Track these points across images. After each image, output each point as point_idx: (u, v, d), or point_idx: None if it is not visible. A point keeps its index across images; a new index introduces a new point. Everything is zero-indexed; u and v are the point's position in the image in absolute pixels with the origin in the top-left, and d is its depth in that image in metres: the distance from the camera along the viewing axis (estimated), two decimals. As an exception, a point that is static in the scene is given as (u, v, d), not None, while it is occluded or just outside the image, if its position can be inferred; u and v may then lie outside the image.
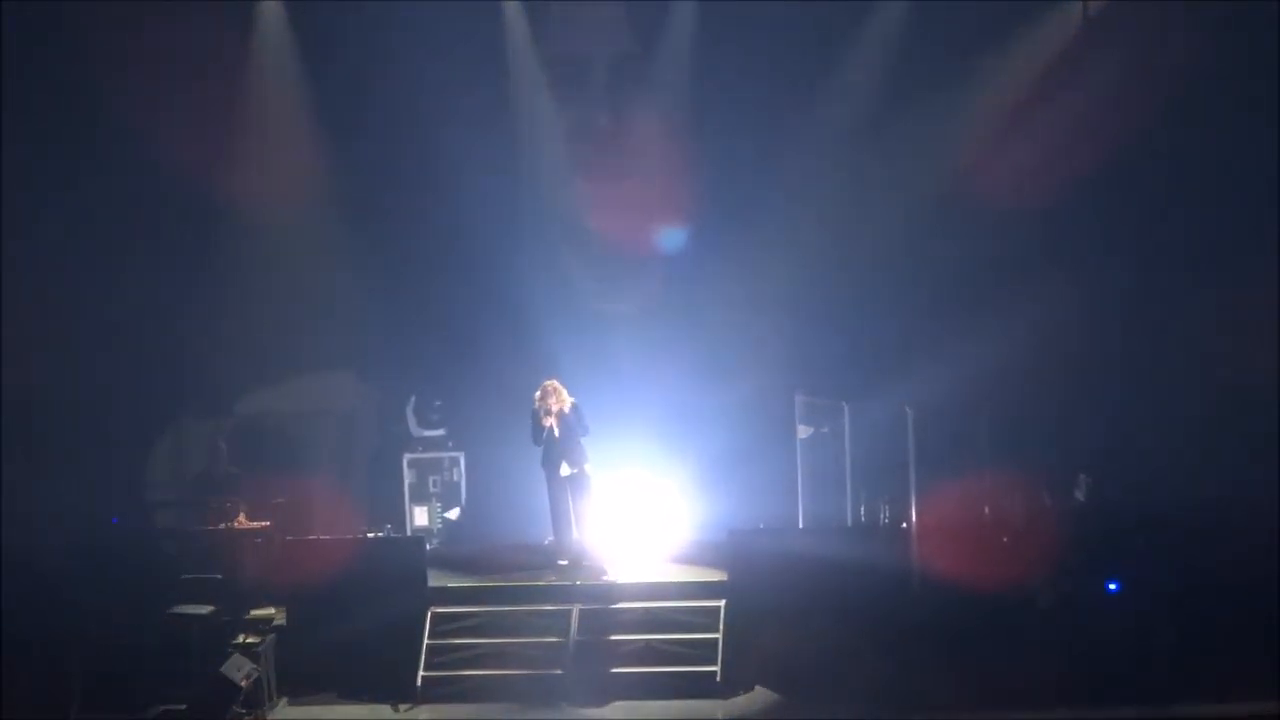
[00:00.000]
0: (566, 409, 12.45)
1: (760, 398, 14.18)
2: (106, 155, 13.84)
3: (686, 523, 13.89)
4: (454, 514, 14.84)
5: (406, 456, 14.92)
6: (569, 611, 11.49)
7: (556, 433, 12.44)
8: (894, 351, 13.95)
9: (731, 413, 14.26)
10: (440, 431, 14.96)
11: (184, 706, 10.82)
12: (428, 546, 12.92)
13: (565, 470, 12.49)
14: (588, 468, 12.61)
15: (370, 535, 13.05)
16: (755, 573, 11.57)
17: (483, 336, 14.53)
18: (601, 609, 11.59)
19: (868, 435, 13.00)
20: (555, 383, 12.56)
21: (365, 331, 14.83)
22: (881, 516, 12.99)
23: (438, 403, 14.97)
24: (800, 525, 13.23)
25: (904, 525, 12.41)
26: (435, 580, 12.02)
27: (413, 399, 14.98)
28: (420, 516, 14.73)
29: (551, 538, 13.06)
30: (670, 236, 14.34)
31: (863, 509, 13.17)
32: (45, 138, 13.69)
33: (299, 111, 14.36)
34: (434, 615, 11.57)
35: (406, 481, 14.80)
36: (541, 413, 12.46)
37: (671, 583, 11.99)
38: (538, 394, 12.55)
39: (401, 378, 15.07)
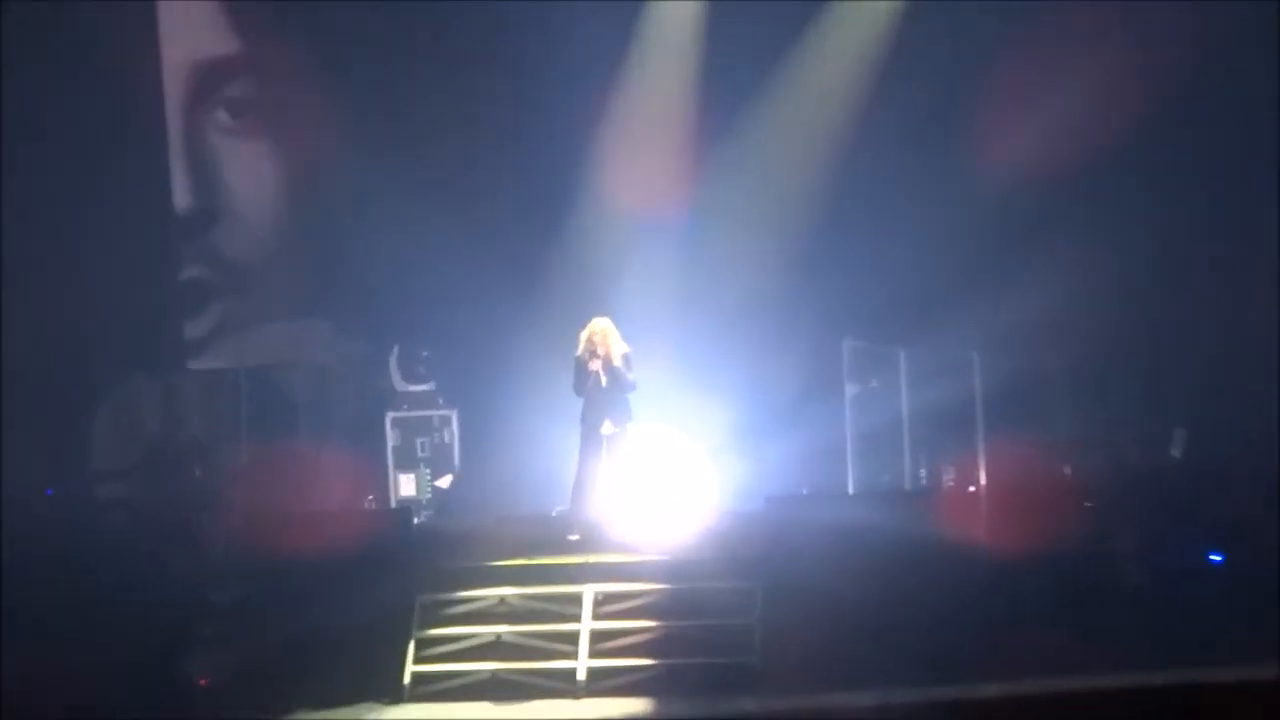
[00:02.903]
0: (617, 357, 12.24)
1: (803, 346, 14.32)
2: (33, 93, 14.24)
3: (717, 490, 13.96)
4: (445, 482, 14.80)
5: (390, 415, 14.87)
6: (581, 595, 11.31)
7: (604, 381, 12.22)
8: (955, 289, 13.88)
9: (769, 365, 14.37)
10: (429, 386, 14.93)
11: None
12: (415, 520, 12.94)
13: (608, 429, 12.28)
14: (632, 429, 12.45)
15: (365, 505, 13.30)
16: (798, 547, 11.43)
17: (478, 277, 14.47)
18: (619, 591, 11.43)
19: (926, 386, 13.07)
20: (606, 322, 12.32)
21: (339, 271, 14.88)
22: (944, 479, 13.06)
23: (425, 353, 14.95)
24: (850, 491, 13.32)
25: (971, 489, 12.57)
26: (424, 560, 11.85)
27: (396, 349, 14.95)
28: (406, 485, 14.71)
29: (562, 508, 13.02)
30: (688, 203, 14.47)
31: (923, 471, 13.24)
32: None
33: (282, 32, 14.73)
34: (423, 601, 11.39)
35: (390, 444, 14.77)
36: (587, 355, 12.24)
37: (700, 560, 11.77)
38: (583, 333, 12.32)
39: (383, 324, 15.08)
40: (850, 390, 13.59)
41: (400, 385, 14.90)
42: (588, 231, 14.69)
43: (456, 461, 14.82)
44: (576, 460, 12.43)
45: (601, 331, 12.26)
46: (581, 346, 12.32)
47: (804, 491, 13.17)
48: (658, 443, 13.77)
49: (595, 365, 12.18)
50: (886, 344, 13.27)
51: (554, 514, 13.25)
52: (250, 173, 15.25)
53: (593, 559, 11.83)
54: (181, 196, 15.21)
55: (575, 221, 14.76)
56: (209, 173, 15.26)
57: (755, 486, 13.42)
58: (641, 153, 14.51)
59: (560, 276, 14.44)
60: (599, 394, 12.25)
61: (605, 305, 12.83)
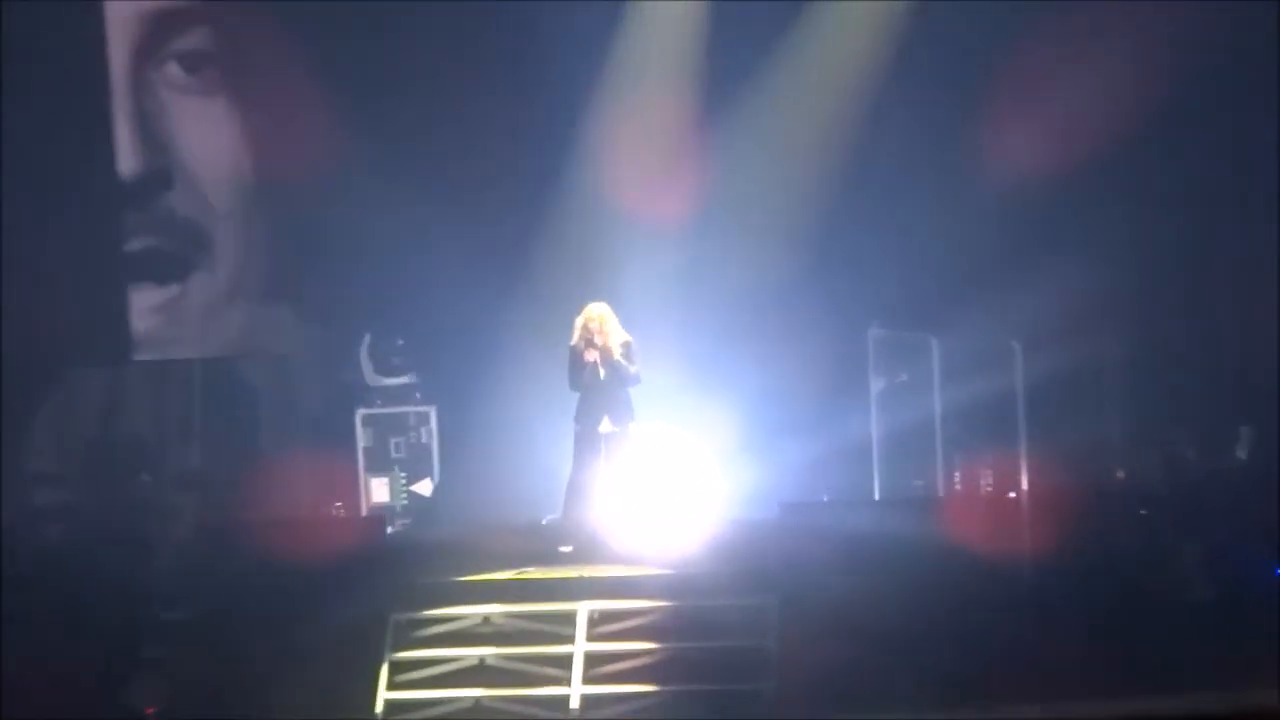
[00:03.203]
0: (616, 347, 12.25)
1: (823, 337, 14.36)
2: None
3: (727, 497, 13.99)
4: (423, 487, 14.87)
5: (360, 412, 14.91)
6: (574, 613, 11.25)
7: (602, 374, 12.23)
8: (994, 270, 13.91)
9: (785, 358, 14.38)
10: (404, 379, 14.98)
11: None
12: (389, 530, 13.09)
13: (607, 427, 12.31)
14: (633, 428, 12.45)
15: (332, 513, 13.52)
16: (817, 559, 11.33)
17: (462, 257, 14.52)
18: (617, 609, 11.36)
19: (962, 380, 13.10)
20: (604, 308, 12.33)
21: (306, 249, 15.01)
22: (981, 484, 13.14)
23: (400, 342, 14.99)
24: (875, 497, 13.33)
25: (1011, 495, 12.52)
26: (399, 574, 11.77)
27: (367, 337, 14.97)
28: (379, 490, 14.79)
29: (552, 516, 13.02)
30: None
31: (957, 476, 13.26)
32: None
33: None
34: (398, 620, 11.36)
35: (361, 445, 14.82)
36: (583, 345, 12.26)
37: (708, 574, 11.70)
38: (579, 321, 12.32)
39: (354, 309, 15.14)
40: (876, 385, 13.63)
41: (372, 378, 14.94)
42: (584, 211, 14.79)
43: (435, 464, 14.86)
44: (570, 463, 12.41)
45: (599, 318, 12.22)
46: (576, 335, 12.26)
47: (824, 498, 13.19)
48: (661, 444, 13.80)
49: (592, 356, 12.15)
50: (917, 332, 13.30)
51: (545, 523, 13.26)
52: (205, 135, 15.24)
53: (588, 573, 11.79)
54: (126, 160, 15.21)
55: (571, 200, 14.85)
56: (158, 134, 15.24)
57: (769, 492, 13.44)
58: (642, 136, 14.63)
59: (553, 258, 14.55)
60: (596, 388, 12.23)
61: (603, 291, 12.82)
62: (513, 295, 14.47)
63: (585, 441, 12.30)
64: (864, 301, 14.08)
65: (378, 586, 11.51)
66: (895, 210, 14.37)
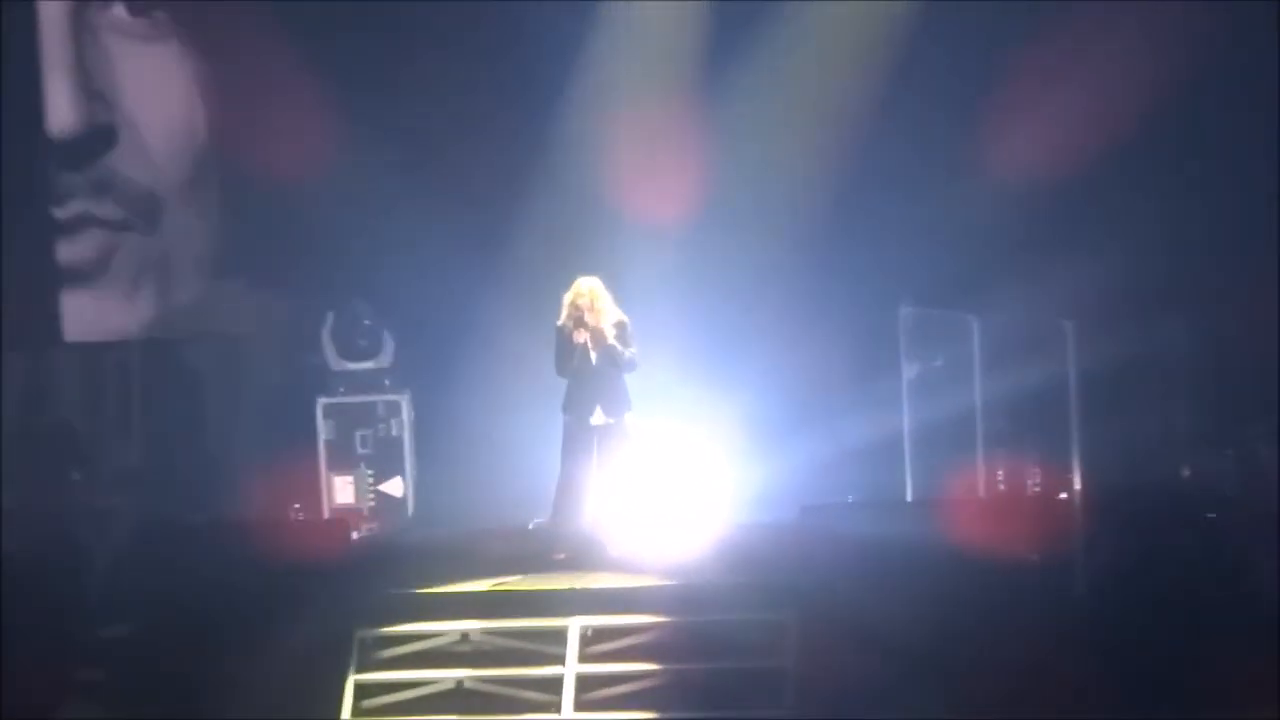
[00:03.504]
0: (609, 327, 12.31)
1: (847, 317, 14.49)
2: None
3: (739, 498, 14.14)
4: (393, 486, 14.89)
5: (322, 401, 14.96)
6: (565, 630, 11.20)
7: (593, 358, 12.28)
8: (1044, 240, 13.97)
9: (803, 342, 14.45)
10: (372, 363, 15.06)
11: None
12: (354, 535, 13.24)
13: (600, 418, 12.37)
14: (629, 419, 12.50)
15: (289, 516, 13.75)
16: (842, 569, 11.27)
17: (438, 227, 14.56)
18: (614, 625, 11.31)
19: (1006, 365, 13.16)
20: (595, 283, 12.37)
21: (263, 215, 15.07)
22: (1028, 484, 13.16)
23: (368, 321, 15.03)
24: (907, 498, 13.36)
25: (1062, 496, 12.52)
26: (365, 585, 11.80)
27: (330, 316, 15.01)
28: (343, 490, 14.84)
29: (540, 520, 13.07)
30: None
31: (1000, 474, 13.30)
32: None
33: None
34: (364, 637, 11.34)
35: (323, 438, 14.87)
36: (572, 325, 12.29)
37: (717, 586, 11.68)
38: (567, 297, 12.37)
39: (315, 283, 15.21)
40: (909, 371, 13.67)
41: (336, 362, 14.97)
42: (578, 181, 14.90)
43: (408, 460, 14.90)
44: (560, 459, 12.43)
45: (589, 294, 12.24)
46: (564, 314, 12.28)
47: (849, 499, 13.18)
48: (664, 440, 13.84)
49: (582, 337, 12.17)
50: (955, 311, 13.35)
51: (532, 527, 13.31)
52: (153, 86, 15.29)
53: (581, 584, 11.75)
54: (60, 115, 15.26)
55: (562, 169, 14.92)
56: (98, 85, 15.27)
57: (787, 494, 13.48)
58: (641, 120, 14.79)
59: (541, 229, 14.64)
60: (587, 374, 12.26)
61: (597, 267, 12.83)
62: (496, 268, 14.57)
63: (575, 435, 12.33)
64: (893, 277, 14.11)
65: (341, 599, 11.48)
66: (927, 175, 14.44)
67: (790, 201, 14.68)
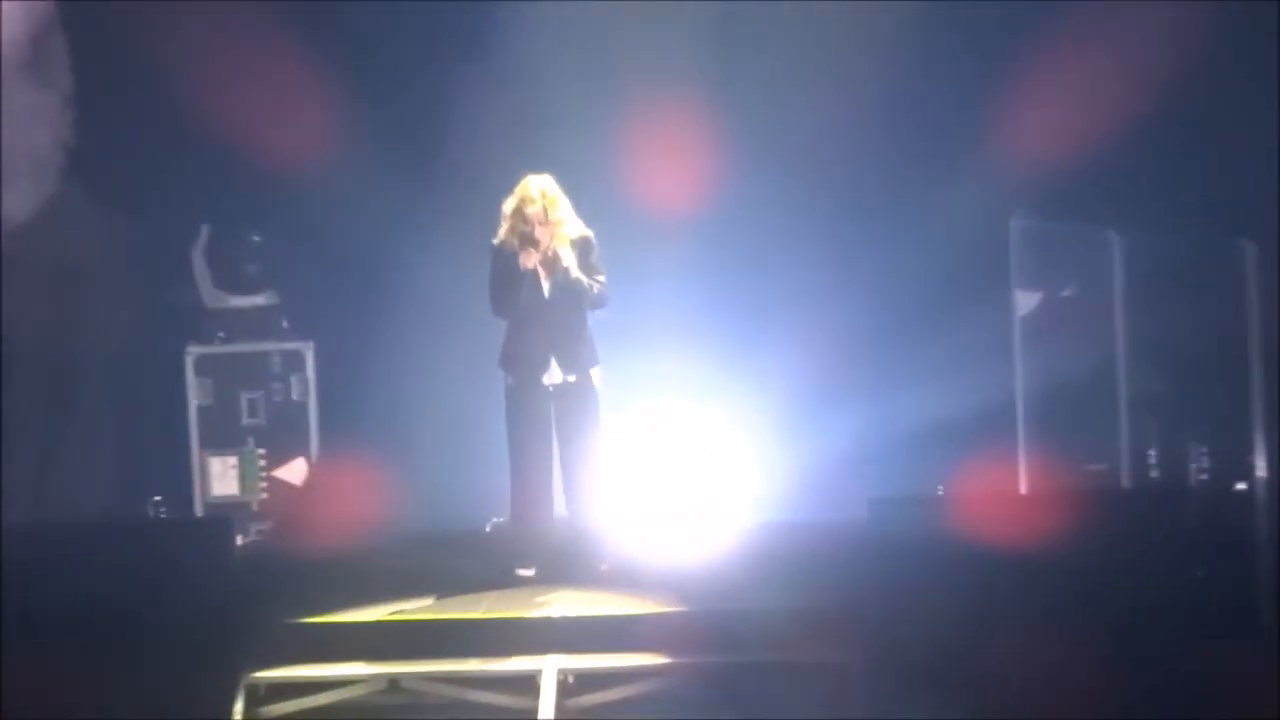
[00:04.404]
0: (565, 250, 12.44)
1: (928, 232, 14.62)
2: None
3: (772, 488, 14.59)
4: (293, 471, 15.09)
5: (194, 352, 15.14)
6: (536, 675, 11.14)
7: (545, 290, 12.40)
8: (1209, 129, 14.15)
9: (863, 268, 14.90)
10: (263, 299, 15.31)
11: None
12: (238, 540, 13.35)
13: (555, 376, 12.53)
14: (596, 375, 12.63)
15: (147, 512, 14.12)
16: (926, 589, 11.15)
17: (353, 117, 14.84)
18: (605, 669, 11.24)
19: (1161, 299, 13.56)
20: (548, 184, 12.52)
21: (114, 99, 15.13)
22: (1193, 471, 13.43)
23: (257, 238, 15.31)
24: (1022, 489, 13.62)
25: (1239, 487, 12.89)
26: (255, 611, 11.70)
27: (205, 231, 15.27)
28: (223, 478, 15.11)
29: (500, 519, 13.39)
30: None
31: (1154, 454, 13.61)
32: None
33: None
34: (253, 684, 11.29)
35: (194, 403, 15.05)
36: (516, 244, 12.37)
37: (748, 613, 11.65)
38: (509, 203, 12.50)
39: (184, 190, 15.26)
40: (1024, 302, 14.02)
41: (213, 296, 15.26)
42: (529, 64, 15.31)
43: (313, 435, 15.13)
44: (507, 437, 12.71)
45: (540, 199, 12.41)
46: (505, 228, 12.43)
47: (938, 491, 13.37)
48: (674, 423, 14.57)
49: (531, 262, 12.32)
50: (1089, 224, 13.63)
51: (489, 530, 13.71)
52: None
53: (558, 610, 11.78)
54: None
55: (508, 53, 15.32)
56: None
57: (843, 482, 13.84)
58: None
59: (489, 123, 15.03)
60: (537, 315, 12.47)
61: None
62: (429, 174, 14.84)
63: (523, 402, 12.55)
64: (1002, 179, 14.26)
65: (222, 630, 11.41)
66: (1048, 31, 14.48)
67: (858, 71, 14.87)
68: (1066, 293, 14.02)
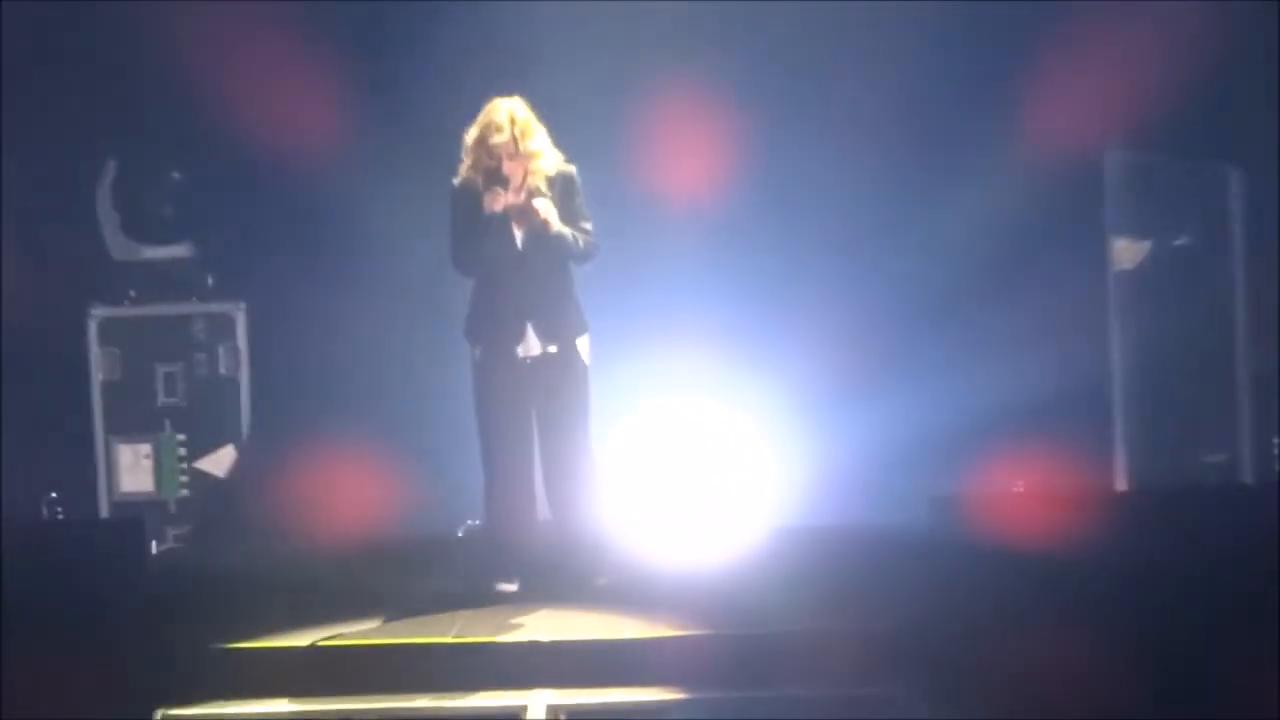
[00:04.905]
0: (543, 188, 12.34)
1: (999, 168, 14.82)
2: None
3: (799, 494, 14.80)
4: (219, 462, 15.15)
5: (97, 314, 15.20)
6: (521, 711, 11.12)
7: (518, 240, 12.33)
8: None
9: (917, 226, 15.12)
10: (183, 249, 15.45)
11: None
12: (153, 547, 13.63)
13: (532, 347, 12.47)
14: (583, 345, 12.58)
15: (40, 512, 14.41)
16: (1006, 605, 11.12)
17: (290, 37, 14.93)
18: (605, 705, 11.22)
19: None
20: (519, 108, 12.37)
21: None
22: None
23: (176, 175, 15.35)
24: (1119, 487, 13.90)
25: None
26: (172, 632, 11.65)
27: (112, 167, 15.36)
28: (134, 471, 15.16)
29: (475, 522, 13.54)
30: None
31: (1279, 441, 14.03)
32: None
33: None
34: None
35: (97, 378, 15.11)
36: (481, 184, 12.24)
37: (783, 635, 11.59)
38: (472, 133, 12.35)
39: (84, 122, 15.36)
40: (1122, 255, 14.16)
41: (123, 248, 15.33)
42: None
43: (244, 416, 15.28)
44: (476, 421, 12.68)
45: (509, 127, 12.24)
46: (468, 162, 12.33)
47: (1018, 488, 13.46)
48: (683, 411, 15.02)
49: (499, 203, 12.16)
50: (1203, 160, 13.76)
51: (461, 534, 13.97)
52: None
53: (548, 634, 11.68)
54: None
55: None
56: None
57: (893, 481, 14.13)
58: None
59: (455, 48, 15.15)
60: (509, 270, 12.40)
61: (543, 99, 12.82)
62: (387, 99, 15.08)
63: (493, 377, 12.46)
64: (1093, 106, 14.39)
65: (132, 656, 11.35)
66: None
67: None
68: (1180, 240, 14.21)
